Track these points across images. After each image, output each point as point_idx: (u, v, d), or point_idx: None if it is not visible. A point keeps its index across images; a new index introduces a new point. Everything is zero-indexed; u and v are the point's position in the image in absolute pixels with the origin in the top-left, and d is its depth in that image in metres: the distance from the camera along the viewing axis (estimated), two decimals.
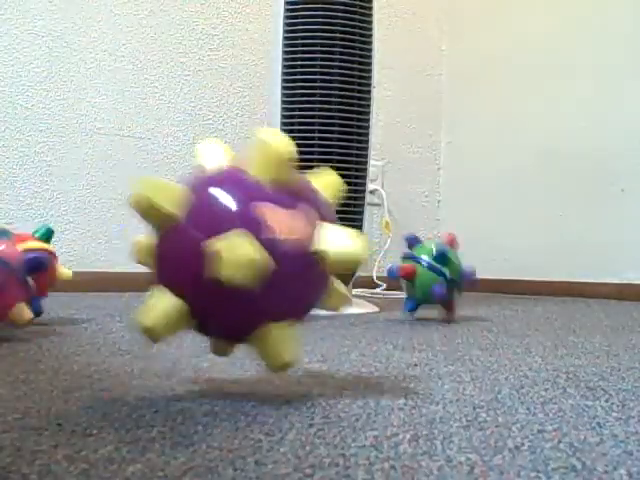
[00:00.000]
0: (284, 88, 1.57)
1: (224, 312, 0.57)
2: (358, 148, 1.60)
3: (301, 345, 0.61)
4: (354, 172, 1.60)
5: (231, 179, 0.59)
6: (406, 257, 1.41)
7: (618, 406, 0.59)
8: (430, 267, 1.37)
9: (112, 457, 0.42)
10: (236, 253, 0.53)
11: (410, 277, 1.37)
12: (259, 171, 0.58)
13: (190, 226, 0.57)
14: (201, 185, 0.59)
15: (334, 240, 0.58)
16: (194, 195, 0.58)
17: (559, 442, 0.47)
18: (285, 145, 0.58)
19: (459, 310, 1.69)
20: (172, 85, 2.36)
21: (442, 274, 1.36)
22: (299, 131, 1.57)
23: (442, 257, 1.36)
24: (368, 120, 1.62)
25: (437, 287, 1.34)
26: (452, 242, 1.42)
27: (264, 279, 0.55)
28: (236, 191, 0.58)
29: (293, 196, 0.59)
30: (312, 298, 0.61)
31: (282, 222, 0.57)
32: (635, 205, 2.26)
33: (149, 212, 0.57)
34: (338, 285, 0.64)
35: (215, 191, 0.58)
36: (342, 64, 1.57)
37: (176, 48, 2.37)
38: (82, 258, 2.18)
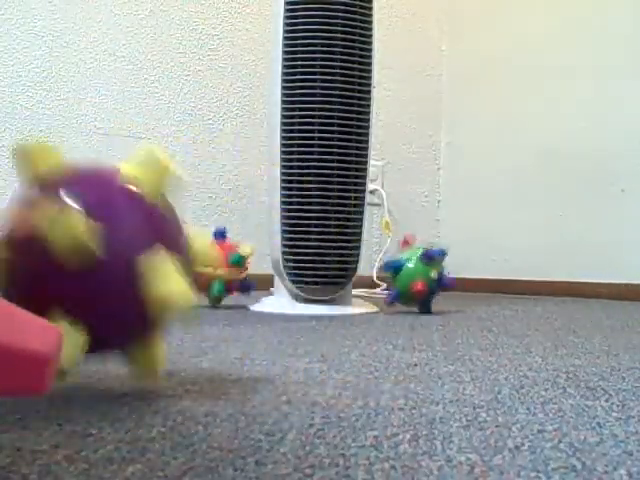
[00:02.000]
0: (284, 88, 1.57)
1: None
2: (358, 148, 1.60)
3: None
4: (354, 172, 1.60)
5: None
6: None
7: (618, 406, 0.59)
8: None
9: (112, 457, 0.41)
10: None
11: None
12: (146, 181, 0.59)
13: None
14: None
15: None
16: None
17: (559, 442, 0.47)
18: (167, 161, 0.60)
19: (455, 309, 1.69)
20: (172, 85, 2.36)
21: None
22: (299, 131, 1.57)
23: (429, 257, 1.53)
24: (368, 120, 1.62)
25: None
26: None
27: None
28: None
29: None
30: None
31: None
32: (635, 205, 2.26)
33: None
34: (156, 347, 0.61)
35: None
36: (342, 64, 1.57)
37: (176, 48, 2.37)
38: None
